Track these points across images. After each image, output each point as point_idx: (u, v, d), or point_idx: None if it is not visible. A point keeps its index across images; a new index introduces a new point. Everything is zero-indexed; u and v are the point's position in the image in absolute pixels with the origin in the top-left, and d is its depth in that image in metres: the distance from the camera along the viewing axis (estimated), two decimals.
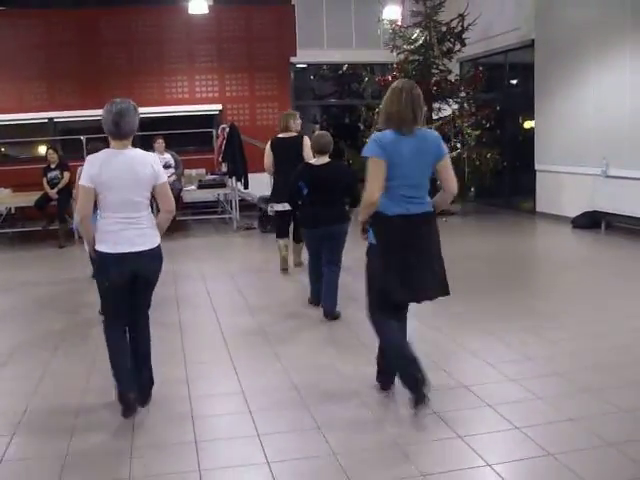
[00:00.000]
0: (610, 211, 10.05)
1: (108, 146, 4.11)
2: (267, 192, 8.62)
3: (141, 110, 4.32)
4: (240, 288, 7.42)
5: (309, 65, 15.00)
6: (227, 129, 11.84)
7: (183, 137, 13.19)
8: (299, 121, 8.05)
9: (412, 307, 4.23)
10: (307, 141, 7.52)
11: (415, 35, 12.09)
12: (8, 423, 4.02)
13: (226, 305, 6.77)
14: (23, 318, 6.66)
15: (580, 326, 5.57)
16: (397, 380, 4.05)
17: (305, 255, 7.07)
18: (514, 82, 13.35)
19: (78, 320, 6.42)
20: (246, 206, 12.17)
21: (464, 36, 12.08)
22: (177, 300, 6.95)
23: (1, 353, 5.43)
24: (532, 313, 6.04)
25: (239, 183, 11.67)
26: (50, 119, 13.39)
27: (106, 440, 3.78)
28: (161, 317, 6.20)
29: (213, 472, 3.40)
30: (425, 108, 4.09)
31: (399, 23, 12.34)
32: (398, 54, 12.28)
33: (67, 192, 10.80)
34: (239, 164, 11.44)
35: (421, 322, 5.41)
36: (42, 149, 13.38)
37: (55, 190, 10.72)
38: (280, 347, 5.29)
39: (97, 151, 4.15)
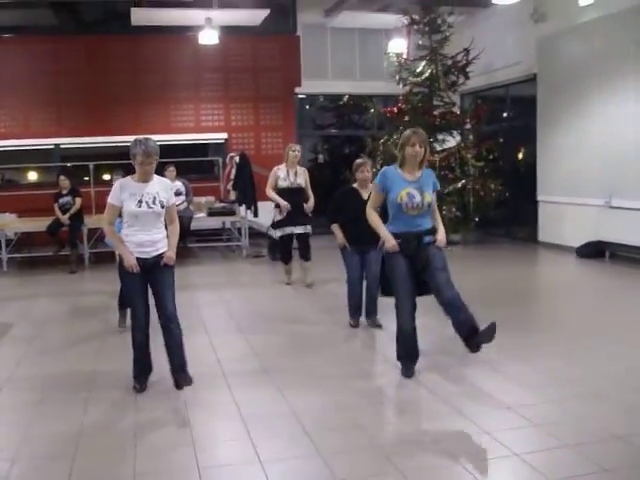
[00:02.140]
0: (614, 241, 10.29)
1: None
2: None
3: None
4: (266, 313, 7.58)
5: (307, 95, 15.20)
6: (236, 158, 11.99)
7: (187, 165, 13.30)
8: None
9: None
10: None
11: (421, 68, 12.37)
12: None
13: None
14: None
15: (591, 357, 5.74)
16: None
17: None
18: (515, 115, 13.65)
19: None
20: (253, 234, 12.29)
21: (468, 69, 12.39)
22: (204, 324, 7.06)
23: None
24: (542, 340, 6.23)
25: (249, 211, 11.81)
26: (56, 145, 13.49)
27: None
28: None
29: None
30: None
31: (405, 56, 12.65)
32: (404, 86, 12.54)
33: (79, 218, 10.92)
34: (249, 193, 11.60)
35: (426, 358, 5.40)
36: (48, 175, 13.46)
37: (67, 216, 10.78)
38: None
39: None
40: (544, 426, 4.13)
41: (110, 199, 4.96)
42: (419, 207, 5.06)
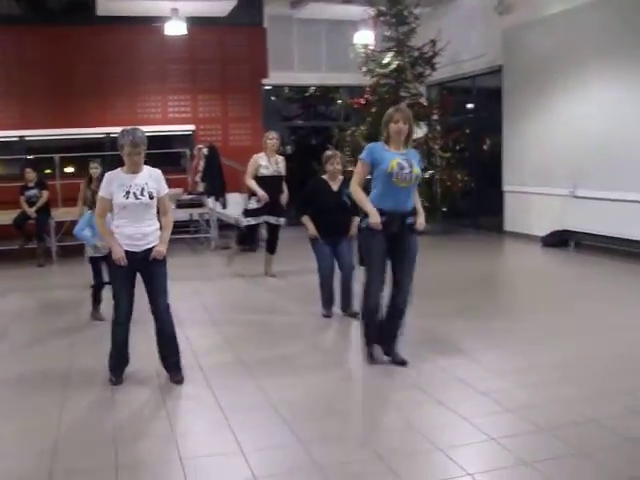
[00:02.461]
0: (578, 230, 10.50)
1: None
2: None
3: (113, 130, 4.91)
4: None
5: (274, 86, 15.16)
6: (204, 150, 11.95)
7: (154, 157, 13.14)
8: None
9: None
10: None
11: (387, 60, 12.43)
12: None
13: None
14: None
15: (560, 342, 5.88)
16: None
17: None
18: (481, 106, 13.79)
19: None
20: (222, 226, 12.25)
21: (434, 61, 12.49)
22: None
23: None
24: (513, 328, 6.35)
25: (217, 203, 11.77)
26: (21, 137, 13.28)
27: None
28: None
29: None
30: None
31: (372, 48, 12.70)
32: (371, 77, 12.60)
33: (45, 211, 10.80)
34: (218, 184, 11.58)
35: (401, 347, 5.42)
36: (13, 168, 13.24)
37: (34, 209, 10.64)
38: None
39: None
40: (519, 411, 4.23)
41: (100, 192, 4.91)
42: (408, 179, 4.98)
